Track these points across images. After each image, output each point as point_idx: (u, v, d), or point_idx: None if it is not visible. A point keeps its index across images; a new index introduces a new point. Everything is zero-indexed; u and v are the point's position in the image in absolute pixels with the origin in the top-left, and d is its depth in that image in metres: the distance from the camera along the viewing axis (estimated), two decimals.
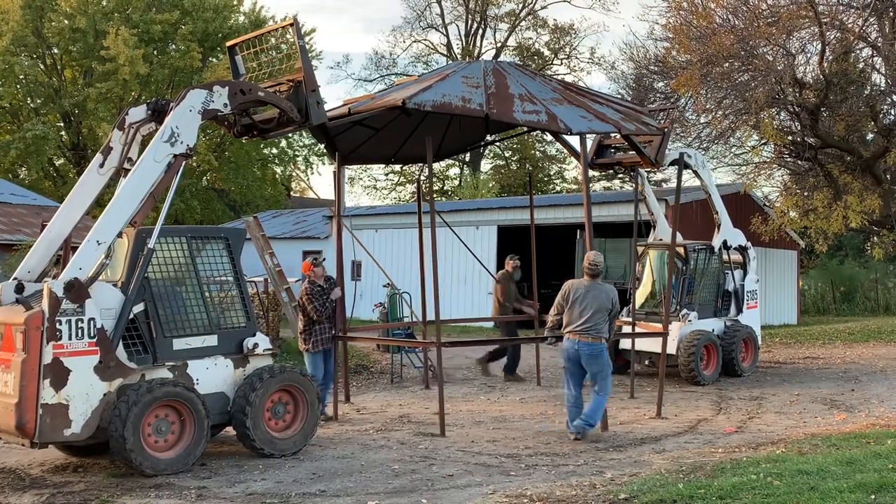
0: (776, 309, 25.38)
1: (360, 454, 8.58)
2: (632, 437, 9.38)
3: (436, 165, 35.67)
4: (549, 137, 38.15)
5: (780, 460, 7.49)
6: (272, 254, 16.56)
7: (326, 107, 9.35)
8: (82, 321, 7.31)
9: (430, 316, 12.35)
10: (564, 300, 9.32)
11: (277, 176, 41.52)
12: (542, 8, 48.27)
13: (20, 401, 7.14)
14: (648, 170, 14.18)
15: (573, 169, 48.10)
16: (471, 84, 9.75)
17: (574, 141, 10.17)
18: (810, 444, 8.32)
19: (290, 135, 32.56)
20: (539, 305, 13.65)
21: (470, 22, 48.50)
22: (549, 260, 22.80)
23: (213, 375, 8.18)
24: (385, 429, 10.01)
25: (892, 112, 22.00)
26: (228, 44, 9.27)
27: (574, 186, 46.91)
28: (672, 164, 13.77)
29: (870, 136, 22.64)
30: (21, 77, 34.65)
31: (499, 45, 48.31)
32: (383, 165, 35.78)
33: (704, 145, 22.44)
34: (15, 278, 7.98)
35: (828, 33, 19.60)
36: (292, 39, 8.72)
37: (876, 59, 21.17)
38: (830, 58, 19.87)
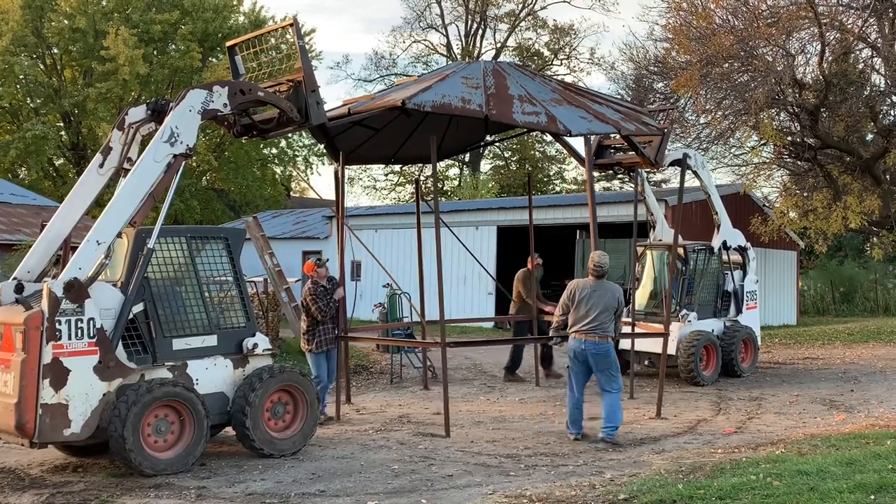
0: (776, 309, 25.37)
1: (359, 454, 8.58)
2: (631, 438, 9.37)
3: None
4: (548, 138, 38.18)
5: (779, 461, 7.49)
6: (272, 254, 16.59)
7: (326, 107, 9.35)
8: (82, 321, 7.31)
9: (430, 316, 12.38)
10: (570, 300, 9.30)
11: (277, 176, 41.49)
12: (542, 8, 48.42)
13: (20, 401, 7.14)
14: (648, 170, 14.18)
15: (573, 169, 48.21)
16: (470, 85, 9.74)
17: (574, 142, 10.17)
18: (810, 445, 8.32)
19: (289, 135, 32.63)
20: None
21: (470, 22, 48.54)
22: (548, 260, 22.75)
23: (212, 375, 8.18)
24: (385, 429, 10.01)
25: (892, 113, 22.03)
26: (228, 44, 9.26)
27: (573, 187, 46.95)
28: (672, 164, 13.79)
29: (869, 137, 22.66)
30: (21, 77, 34.63)
31: (498, 45, 48.39)
32: (383, 165, 35.74)
33: (704, 146, 22.47)
34: (14, 278, 7.98)
35: (827, 34, 19.62)
36: (292, 39, 8.71)
37: (875, 59, 21.21)
38: (830, 58, 19.88)
